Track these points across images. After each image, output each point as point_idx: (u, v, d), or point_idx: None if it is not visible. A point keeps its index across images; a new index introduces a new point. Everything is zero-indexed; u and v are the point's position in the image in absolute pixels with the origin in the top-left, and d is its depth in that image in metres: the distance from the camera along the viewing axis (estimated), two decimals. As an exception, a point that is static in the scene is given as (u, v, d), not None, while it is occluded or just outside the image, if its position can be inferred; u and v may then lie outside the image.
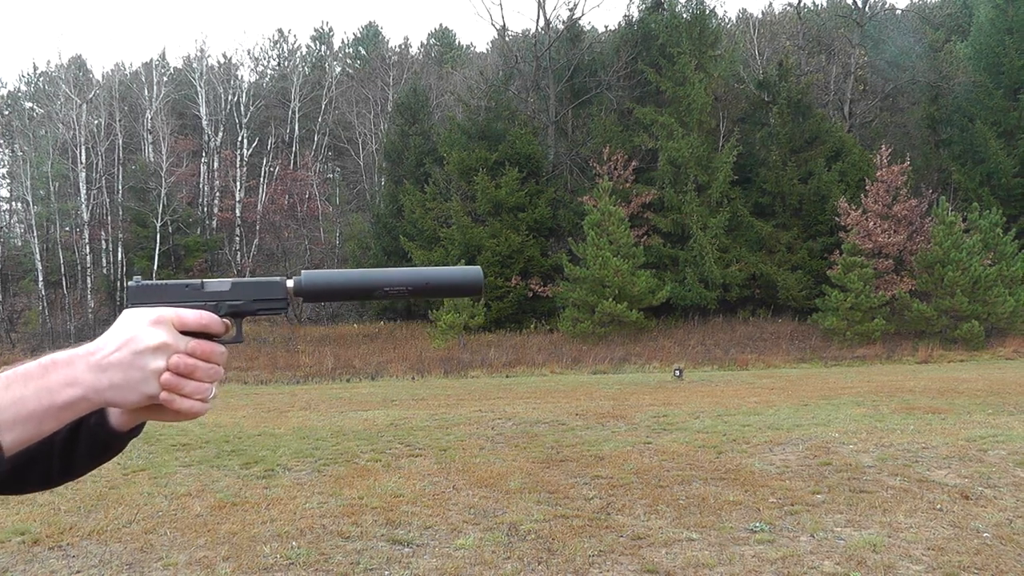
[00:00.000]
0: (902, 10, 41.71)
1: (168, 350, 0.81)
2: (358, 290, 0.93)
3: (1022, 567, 4.29)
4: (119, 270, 34.06)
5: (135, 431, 0.92)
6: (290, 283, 0.91)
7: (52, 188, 35.72)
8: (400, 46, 58.16)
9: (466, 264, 0.97)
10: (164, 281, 0.88)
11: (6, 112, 47.81)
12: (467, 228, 28.85)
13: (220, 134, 41.12)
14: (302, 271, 0.93)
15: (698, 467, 6.91)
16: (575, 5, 76.17)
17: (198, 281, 0.89)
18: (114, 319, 0.84)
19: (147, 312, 0.82)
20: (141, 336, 0.80)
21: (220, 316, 0.87)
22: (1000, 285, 23.57)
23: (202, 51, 63.29)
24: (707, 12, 30.74)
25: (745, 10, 63.58)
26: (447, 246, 28.69)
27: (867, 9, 35.58)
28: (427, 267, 0.97)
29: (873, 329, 23.90)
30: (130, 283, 0.88)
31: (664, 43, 29.65)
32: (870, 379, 15.78)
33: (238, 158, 40.42)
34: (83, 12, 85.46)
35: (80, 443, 0.91)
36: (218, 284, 0.89)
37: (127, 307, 0.85)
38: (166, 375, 0.80)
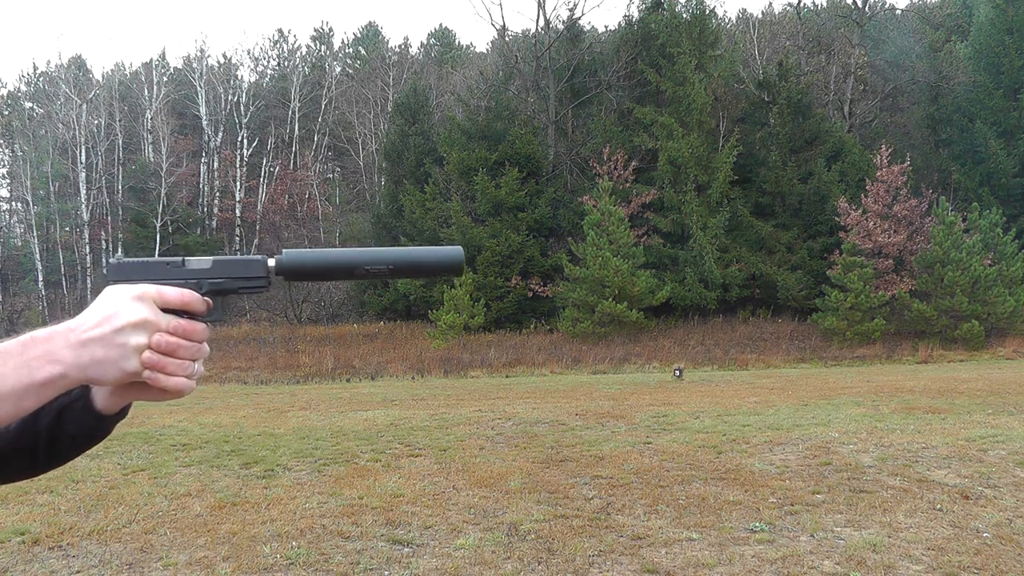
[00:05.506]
0: (902, 10, 41.72)
1: (149, 326, 0.80)
2: (339, 269, 0.92)
3: (1022, 567, 4.29)
4: (119, 270, 33.99)
5: (121, 414, 0.92)
6: (271, 261, 0.90)
7: (52, 188, 35.73)
8: (400, 46, 58.21)
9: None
10: (145, 258, 0.87)
11: (6, 112, 47.83)
12: (467, 228, 28.86)
13: (220, 134, 41.16)
14: (283, 250, 0.92)
15: (698, 467, 6.91)
16: (575, 5, 76.37)
17: (179, 258, 0.88)
18: None
19: (129, 288, 0.81)
20: (122, 312, 0.79)
21: (202, 294, 0.86)
22: (1000, 285, 23.57)
23: (202, 51, 63.27)
24: (707, 12, 30.76)
25: (745, 10, 63.53)
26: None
27: (867, 9, 35.57)
28: (408, 247, 0.97)
29: (873, 329, 23.89)
30: (111, 260, 0.87)
31: (664, 43, 29.65)
32: (870, 379, 15.77)
33: (238, 158, 40.46)
34: (83, 12, 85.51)
35: (65, 428, 0.91)
36: (199, 262, 0.88)
37: (108, 284, 0.84)
38: (147, 353, 0.79)
